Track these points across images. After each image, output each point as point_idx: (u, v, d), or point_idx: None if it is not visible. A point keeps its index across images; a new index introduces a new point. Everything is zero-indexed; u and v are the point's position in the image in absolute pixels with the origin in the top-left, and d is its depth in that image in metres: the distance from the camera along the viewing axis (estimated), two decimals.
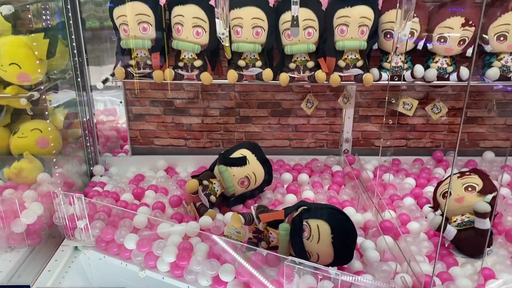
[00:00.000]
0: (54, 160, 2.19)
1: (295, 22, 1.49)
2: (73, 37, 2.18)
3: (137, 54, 2.06)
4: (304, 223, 1.55)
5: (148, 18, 1.99)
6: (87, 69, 2.29)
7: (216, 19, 1.13)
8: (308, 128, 2.44)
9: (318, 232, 1.52)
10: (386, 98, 2.14)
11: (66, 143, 2.28)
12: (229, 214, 1.90)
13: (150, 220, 1.91)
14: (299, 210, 1.59)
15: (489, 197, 1.75)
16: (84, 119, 2.33)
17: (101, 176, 2.37)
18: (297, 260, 1.39)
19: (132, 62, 2.07)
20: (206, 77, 2.00)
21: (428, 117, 2.34)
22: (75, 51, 2.21)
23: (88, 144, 2.37)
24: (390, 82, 2.12)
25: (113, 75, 2.11)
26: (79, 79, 2.27)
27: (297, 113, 2.39)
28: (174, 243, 1.71)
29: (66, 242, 1.88)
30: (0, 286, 1.14)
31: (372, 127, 2.43)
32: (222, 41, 1.13)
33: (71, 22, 2.16)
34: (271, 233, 1.64)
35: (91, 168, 2.39)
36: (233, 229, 1.75)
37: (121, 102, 2.38)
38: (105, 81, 2.09)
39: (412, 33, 2.04)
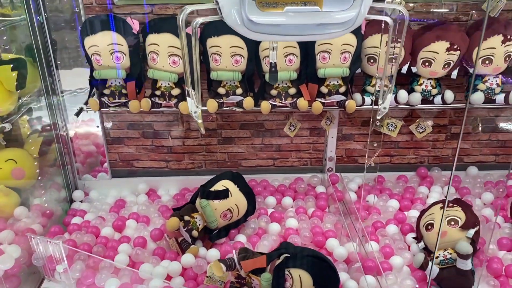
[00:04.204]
0: (31, 190, 2.13)
1: (273, 69, 1.42)
2: (42, 58, 2.09)
3: (111, 83, 1.98)
4: (286, 272, 1.53)
5: (121, 48, 1.90)
6: (59, 89, 2.19)
7: (188, 98, 1.07)
8: (291, 148, 2.40)
9: (300, 282, 1.51)
10: (371, 122, 2.09)
11: (42, 170, 2.22)
12: (211, 252, 1.89)
13: (131, 257, 1.89)
14: (281, 258, 1.57)
15: (472, 232, 1.75)
16: (59, 137, 2.24)
17: (81, 201, 2.32)
18: None
19: (107, 91, 1.99)
20: (185, 107, 1.93)
21: (412, 134, 2.31)
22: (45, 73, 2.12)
23: (65, 164, 2.29)
24: (370, 107, 2.07)
25: (87, 103, 2.03)
26: (51, 101, 2.19)
27: (280, 133, 2.34)
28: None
29: (46, 283, 1.85)
30: None
31: (356, 145, 2.41)
32: (195, 118, 1.08)
33: (39, 43, 2.06)
34: (253, 280, 1.63)
35: (71, 192, 2.34)
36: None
37: (98, 126, 2.30)
38: (79, 112, 2.01)
39: (395, 59, 1.98)
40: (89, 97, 2.03)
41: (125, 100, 1.99)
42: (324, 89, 1.99)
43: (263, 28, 0.97)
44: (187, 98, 1.09)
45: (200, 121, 1.13)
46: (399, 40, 1.96)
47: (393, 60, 1.96)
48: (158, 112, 2.27)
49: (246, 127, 2.33)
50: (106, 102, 1.99)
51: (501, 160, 2.47)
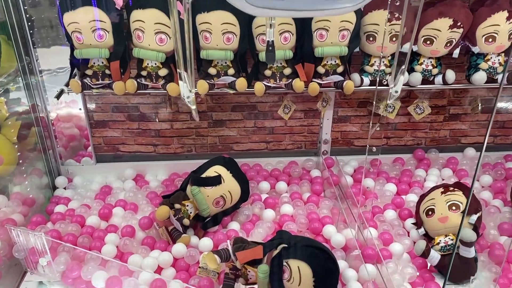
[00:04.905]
0: (10, 177, 2.01)
1: (270, 48, 1.31)
2: (18, 36, 1.94)
3: (93, 63, 1.84)
4: (284, 263, 1.45)
5: (104, 25, 1.76)
6: (37, 69, 2.04)
7: (180, 82, 0.96)
8: (285, 130, 2.30)
9: (299, 274, 1.43)
10: (374, 105, 1.99)
11: (22, 155, 2.08)
12: (204, 241, 1.80)
13: (119, 248, 1.80)
14: (278, 248, 1.49)
15: (474, 217, 1.69)
16: (39, 119, 2.10)
17: (64, 188, 2.20)
18: None
19: (89, 72, 1.85)
20: (173, 89, 1.81)
21: (409, 115, 2.23)
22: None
23: (46, 149, 2.16)
24: (372, 87, 1.97)
25: (68, 85, 1.89)
26: (29, 81, 2.05)
27: (274, 115, 2.24)
28: (145, 281, 1.60)
29: (29, 277, 1.74)
30: None
31: (352, 127, 2.32)
32: (188, 104, 0.97)
33: (14, 20, 1.90)
34: (249, 271, 1.55)
35: (54, 179, 2.22)
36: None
37: (80, 109, 2.17)
38: (59, 94, 1.88)
39: (396, 36, 1.88)
40: (70, 78, 1.89)
41: (109, 81, 1.86)
42: (321, 69, 1.88)
43: (265, 1, 0.85)
44: (179, 81, 0.97)
45: (194, 107, 1.02)
46: (400, 16, 1.86)
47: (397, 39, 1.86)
48: (144, 93, 2.13)
49: (238, 109, 2.22)
50: (89, 83, 1.85)
51: (499, 141, 2.41)
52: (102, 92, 2.00)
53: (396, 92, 1.35)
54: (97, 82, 1.86)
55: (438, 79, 1.98)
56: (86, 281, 1.66)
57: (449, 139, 2.39)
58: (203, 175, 1.88)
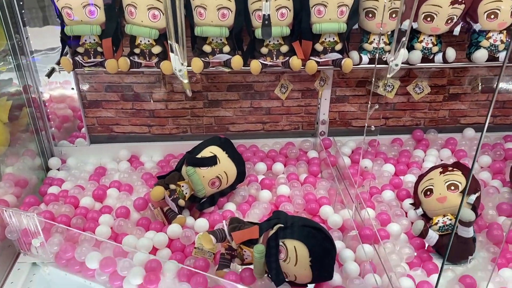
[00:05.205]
0: (2, 158, 1.97)
1: (266, 22, 1.26)
2: (7, 14, 1.88)
3: (85, 41, 1.79)
4: (280, 243, 1.43)
5: (95, 0, 1.70)
6: (27, 48, 1.99)
7: (171, 54, 0.91)
8: (282, 111, 2.26)
9: (296, 254, 1.41)
10: (373, 83, 1.94)
11: (14, 136, 2.04)
12: (199, 221, 1.78)
13: (113, 229, 1.77)
14: (275, 228, 1.47)
15: (473, 197, 1.66)
16: (31, 100, 2.06)
17: (58, 169, 2.17)
18: None
19: (80, 50, 1.80)
20: (167, 67, 1.74)
21: (409, 95, 2.19)
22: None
23: (39, 130, 2.12)
24: (371, 66, 1.93)
25: (59, 63, 1.84)
26: (20, 62, 1.99)
27: (270, 95, 2.20)
28: (140, 262, 1.58)
29: (22, 258, 1.72)
30: None
31: (350, 107, 2.28)
32: (180, 77, 0.92)
33: None
34: (245, 251, 1.53)
35: (47, 160, 2.19)
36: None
37: (72, 88, 2.12)
38: (50, 73, 1.83)
39: (396, 12, 1.83)
40: (61, 56, 1.85)
41: (101, 59, 1.82)
42: (319, 47, 1.84)
43: None
44: (171, 54, 0.93)
45: (186, 81, 0.98)
46: None
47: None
48: (138, 72, 2.10)
49: (234, 88, 2.18)
50: (80, 61, 1.81)
51: (499, 121, 2.38)
52: (94, 71, 1.95)
53: (396, 65, 1.30)
54: (89, 60, 1.81)
55: (438, 57, 1.94)
56: (80, 262, 1.63)
57: (448, 120, 2.36)
58: (199, 156, 1.84)
